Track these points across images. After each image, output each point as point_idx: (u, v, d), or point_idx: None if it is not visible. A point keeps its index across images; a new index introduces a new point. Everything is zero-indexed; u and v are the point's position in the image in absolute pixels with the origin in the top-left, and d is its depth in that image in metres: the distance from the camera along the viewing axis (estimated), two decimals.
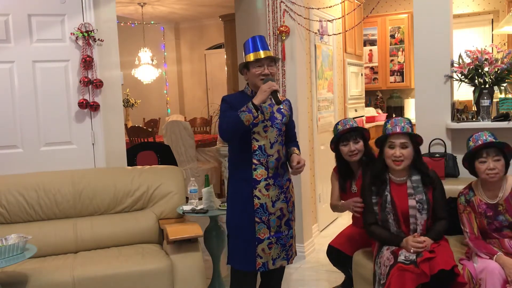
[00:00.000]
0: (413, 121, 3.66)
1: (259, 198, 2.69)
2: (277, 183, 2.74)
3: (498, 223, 2.58)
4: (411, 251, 2.52)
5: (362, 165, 3.08)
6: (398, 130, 2.67)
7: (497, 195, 2.61)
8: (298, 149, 2.90)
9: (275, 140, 2.72)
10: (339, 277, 3.73)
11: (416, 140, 2.72)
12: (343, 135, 3.04)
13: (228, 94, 2.94)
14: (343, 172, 3.14)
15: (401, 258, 2.51)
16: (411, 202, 2.66)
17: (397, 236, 2.67)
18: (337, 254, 3.16)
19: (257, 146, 2.69)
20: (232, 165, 2.82)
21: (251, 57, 2.67)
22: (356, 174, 3.12)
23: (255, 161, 2.69)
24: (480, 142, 2.59)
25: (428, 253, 2.50)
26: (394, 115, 6.99)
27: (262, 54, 2.65)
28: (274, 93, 2.58)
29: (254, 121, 2.62)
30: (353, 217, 3.27)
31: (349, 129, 3.04)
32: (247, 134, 2.67)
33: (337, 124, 3.14)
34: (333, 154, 4.56)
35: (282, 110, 2.80)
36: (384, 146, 2.72)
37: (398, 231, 2.69)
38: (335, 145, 3.13)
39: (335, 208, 3.18)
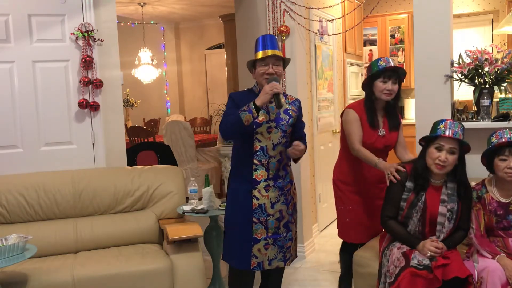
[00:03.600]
0: (413, 121, 3.67)
1: (258, 199, 2.67)
2: (277, 184, 2.71)
3: (507, 222, 2.57)
4: (427, 254, 2.48)
5: (386, 107, 3.02)
6: (450, 134, 2.55)
7: (510, 194, 2.59)
8: (305, 144, 2.77)
9: (278, 142, 2.68)
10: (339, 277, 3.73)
11: (463, 148, 2.62)
12: (387, 71, 2.92)
13: (237, 91, 2.90)
14: (372, 110, 3.02)
15: (414, 262, 2.46)
16: (442, 209, 2.60)
17: (414, 237, 2.62)
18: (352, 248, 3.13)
19: (259, 146, 2.66)
20: (233, 163, 2.80)
21: (258, 55, 2.64)
22: (379, 116, 3.04)
23: (256, 161, 2.66)
24: (504, 140, 2.54)
25: (442, 259, 2.46)
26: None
27: (269, 52, 2.61)
28: (276, 95, 2.52)
29: (257, 121, 2.59)
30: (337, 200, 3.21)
31: (394, 67, 2.94)
32: (250, 133, 2.64)
33: (378, 59, 3.00)
34: (333, 153, 4.56)
35: (290, 111, 2.75)
36: (429, 145, 2.62)
37: (417, 231, 2.63)
38: (370, 80, 2.99)
39: (359, 152, 2.96)
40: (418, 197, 2.62)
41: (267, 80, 2.58)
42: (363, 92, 3.14)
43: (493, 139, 2.59)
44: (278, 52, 2.64)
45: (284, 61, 2.71)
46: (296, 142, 2.63)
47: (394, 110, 3.09)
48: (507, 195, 2.60)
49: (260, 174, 2.67)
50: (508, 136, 2.55)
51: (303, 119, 2.94)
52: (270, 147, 2.66)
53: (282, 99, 2.59)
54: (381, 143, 3.03)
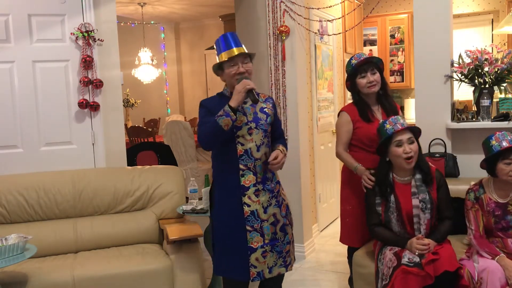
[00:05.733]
0: (413, 121, 3.67)
1: (249, 206, 2.51)
2: (266, 187, 2.56)
3: (506, 222, 2.57)
4: (416, 253, 2.51)
5: (379, 99, 3.06)
6: (400, 127, 2.64)
7: (508, 194, 2.58)
8: (285, 145, 2.69)
9: (262, 143, 2.53)
10: (339, 277, 3.74)
11: (416, 135, 2.71)
12: (360, 67, 2.98)
13: (206, 98, 2.77)
14: (363, 105, 3.05)
15: (404, 260, 2.49)
16: (415, 201, 2.65)
17: (401, 237, 2.65)
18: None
19: (243, 150, 2.49)
20: (216, 172, 2.61)
21: (223, 56, 2.49)
22: (374, 109, 3.06)
23: (242, 166, 2.50)
24: (505, 143, 2.50)
25: (431, 254, 2.48)
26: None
27: (235, 51, 2.47)
28: (250, 92, 2.41)
29: (236, 124, 2.46)
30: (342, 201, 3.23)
31: (365, 60, 2.98)
32: (231, 138, 2.50)
33: (350, 59, 3.07)
34: (333, 153, 4.54)
35: (266, 109, 2.60)
36: (388, 147, 2.68)
37: (401, 231, 2.68)
38: (351, 80, 3.05)
39: (341, 156, 3.07)
40: (388, 199, 2.68)
41: (237, 80, 2.47)
42: None
43: (493, 142, 2.54)
44: (244, 49, 2.52)
45: (251, 57, 2.57)
46: (272, 155, 2.51)
47: (387, 99, 3.10)
48: (505, 195, 2.59)
49: (248, 179, 2.52)
50: (509, 138, 2.52)
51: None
52: (254, 149, 2.52)
53: (257, 94, 2.49)
54: None
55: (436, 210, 2.68)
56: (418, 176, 2.70)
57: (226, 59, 2.49)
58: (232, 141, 2.50)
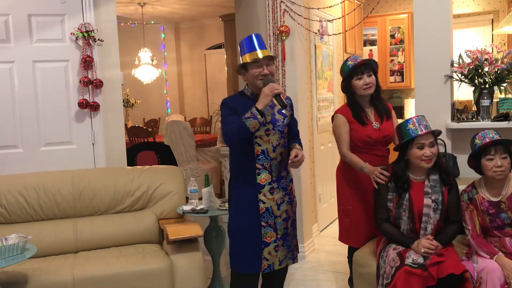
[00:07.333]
0: None
1: (264, 203, 2.65)
2: (281, 185, 2.71)
3: (500, 220, 2.59)
4: (422, 250, 2.50)
5: (372, 101, 3.09)
6: (424, 130, 2.63)
7: (500, 193, 2.62)
8: (301, 145, 2.82)
9: (278, 143, 2.67)
10: (339, 277, 3.74)
11: (435, 135, 2.71)
12: (357, 68, 3.00)
13: (228, 96, 2.84)
14: (357, 107, 3.07)
15: (408, 261, 2.49)
16: (427, 201, 2.65)
17: (408, 237, 2.65)
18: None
19: (260, 150, 2.63)
20: (234, 170, 2.76)
21: (248, 57, 2.59)
22: (368, 111, 3.09)
23: (258, 165, 2.64)
24: (487, 140, 2.58)
25: (436, 256, 2.48)
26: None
27: (259, 53, 2.57)
28: (277, 96, 2.49)
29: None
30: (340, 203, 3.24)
31: (362, 62, 3.01)
32: (249, 138, 2.60)
33: (346, 61, 3.08)
34: (333, 153, 4.54)
35: (283, 111, 2.72)
36: (408, 147, 2.67)
37: (409, 229, 2.67)
38: (346, 82, 3.07)
39: (346, 156, 3.05)
40: (402, 196, 2.68)
41: (263, 82, 2.55)
42: None
43: (477, 141, 2.63)
44: (269, 52, 2.63)
45: (274, 59, 2.68)
46: (292, 153, 2.59)
47: (380, 101, 3.13)
48: (497, 193, 2.63)
49: (264, 178, 2.65)
50: (491, 135, 2.59)
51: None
52: (271, 149, 2.65)
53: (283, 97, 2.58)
54: (379, 135, 3.06)
55: (445, 213, 2.68)
56: (433, 176, 2.70)
57: (250, 61, 2.58)
58: (250, 141, 2.62)
